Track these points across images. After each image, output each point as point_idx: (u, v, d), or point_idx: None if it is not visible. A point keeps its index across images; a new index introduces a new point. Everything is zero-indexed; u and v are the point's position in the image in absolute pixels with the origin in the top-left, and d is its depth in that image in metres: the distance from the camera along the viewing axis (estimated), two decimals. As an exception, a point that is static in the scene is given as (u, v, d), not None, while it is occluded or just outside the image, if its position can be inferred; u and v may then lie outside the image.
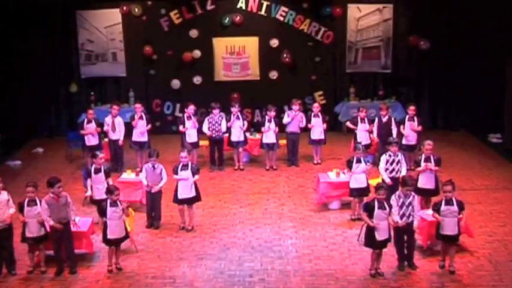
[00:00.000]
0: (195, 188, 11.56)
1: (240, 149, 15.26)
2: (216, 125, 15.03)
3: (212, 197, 13.45)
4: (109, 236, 9.90)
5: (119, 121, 14.97)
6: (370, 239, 9.65)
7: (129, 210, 10.06)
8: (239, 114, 15.21)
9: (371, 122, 14.99)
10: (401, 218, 9.55)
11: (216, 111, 15.06)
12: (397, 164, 11.68)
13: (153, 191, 11.61)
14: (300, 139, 15.48)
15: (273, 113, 15.17)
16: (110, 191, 9.99)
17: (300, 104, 15.69)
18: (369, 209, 9.57)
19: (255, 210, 12.84)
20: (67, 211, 9.91)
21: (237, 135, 15.16)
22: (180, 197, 11.52)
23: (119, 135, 14.88)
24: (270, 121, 15.15)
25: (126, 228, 10.07)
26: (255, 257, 10.52)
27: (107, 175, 11.43)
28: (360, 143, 12.75)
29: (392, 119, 14.86)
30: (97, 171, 11.33)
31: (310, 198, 13.23)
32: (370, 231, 9.61)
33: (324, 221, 12.10)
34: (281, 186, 14.32)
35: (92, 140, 14.72)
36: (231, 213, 12.73)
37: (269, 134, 15.15)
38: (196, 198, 11.69)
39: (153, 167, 11.55)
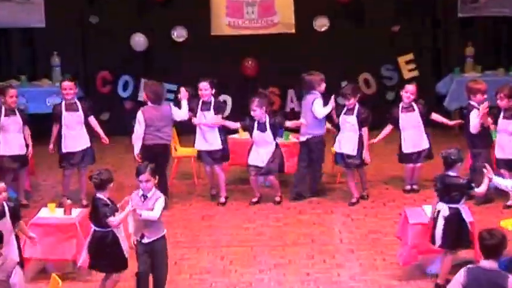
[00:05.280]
0: None
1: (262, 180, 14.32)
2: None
3: (207, 252, 12.20)
4: None
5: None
6: None
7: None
8: (267, 122, 13.71)
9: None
10: None
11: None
12: None
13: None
14: (321, 142, 14.01)
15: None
16: None
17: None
18: None
19: (287, 277, 11.24)
20: None
21: (260, 156, 13.71)
22: None
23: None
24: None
25: None
26: None
27: (16, 217, 9.81)
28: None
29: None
30: None
31: (391, 253, 11.73)
32: None
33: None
34: (336, 232, 12.97)
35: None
36: (243, 282, 11.08)
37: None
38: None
39: (143, 196, 10.07)
